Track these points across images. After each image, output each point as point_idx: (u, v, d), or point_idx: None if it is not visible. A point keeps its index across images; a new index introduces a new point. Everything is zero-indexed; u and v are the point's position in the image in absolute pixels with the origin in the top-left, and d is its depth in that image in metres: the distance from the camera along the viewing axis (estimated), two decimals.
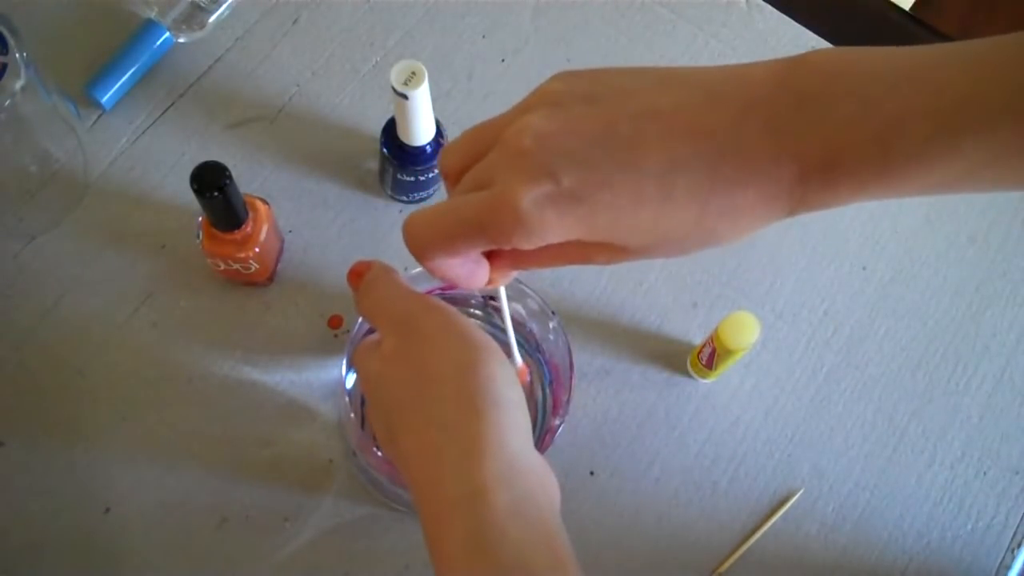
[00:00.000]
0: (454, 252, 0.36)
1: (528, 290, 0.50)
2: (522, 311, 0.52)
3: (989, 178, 0.30)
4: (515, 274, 0.40)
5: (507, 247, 0.34)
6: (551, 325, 0.51)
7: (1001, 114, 0.28)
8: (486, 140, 0.35)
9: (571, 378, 0.49)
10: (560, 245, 0.34)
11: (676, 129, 0.32)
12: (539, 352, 0.53)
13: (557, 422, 0.50)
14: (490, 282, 0.39)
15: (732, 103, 0.32)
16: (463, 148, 0.37)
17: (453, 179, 0.37)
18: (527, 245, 0.33)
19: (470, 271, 0.38)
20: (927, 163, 0.29)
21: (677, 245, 0.34)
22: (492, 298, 0.53)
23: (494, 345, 0.39)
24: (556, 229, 0.33)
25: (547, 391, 0.53)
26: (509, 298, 0.51)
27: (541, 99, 0.35)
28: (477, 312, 0.54)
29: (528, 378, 0.49)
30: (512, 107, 0.36)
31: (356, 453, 0.51)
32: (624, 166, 0.32)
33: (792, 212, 0.32)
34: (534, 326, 0.53)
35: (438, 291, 0.53)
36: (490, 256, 0.38)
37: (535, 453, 0.38)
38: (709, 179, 0.31)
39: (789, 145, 0.30)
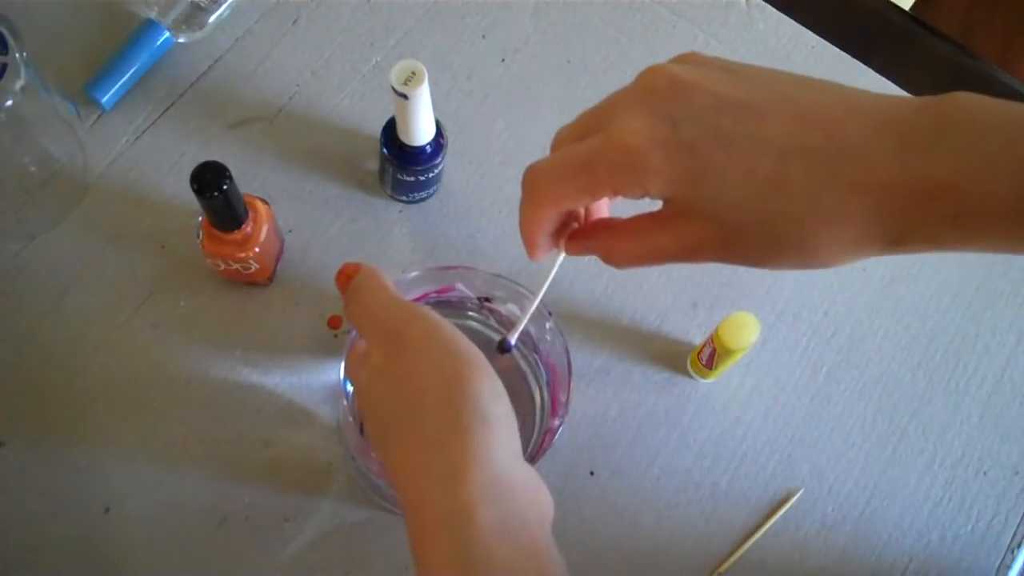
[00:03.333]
0: (563, 199, 0.35)
1: (524, 290, 0.50)
2: (517, 311, 0.52)
3: None
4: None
5: (611, 194, 0.33)
6: (547, 326, 0.51)
7: None
8: (603, 116, 0.34)
9: (569, 378, 0.49)
10: (644, 223, 0.33)
11: (809, 118, 0.31)
12: (536, 352, 0.53)
13: (556, 422, 0.50)
14: (561, 246, 0.38)
15: (868, 115, 0.31)
16: (579, 126, 0.36)
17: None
18: (628, 191, 0.32)
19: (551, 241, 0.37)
20: None
21: (770, 245, 0.32)
22: (488, 299, 0.53)
23: (481, 357, 0.39)
24: (660, 175, 0.32)
25: (545, 392, 0.53)
26: (503, 300, 0.50)
27: (684, 57, 0.34)
28: (473, 315, 0.54)
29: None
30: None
31: (355, 458, 0.51)
32: (748, 136, 0.31)
33: (898, 242, 0.30)
34: (531, 327, 0.53)
35: (434, 294, 0.53)
36: (579, 233, 0.37)
37: (525, 467, 0.38)
38: (828, 176, 0.30)
39: (918, 166, 0.29)
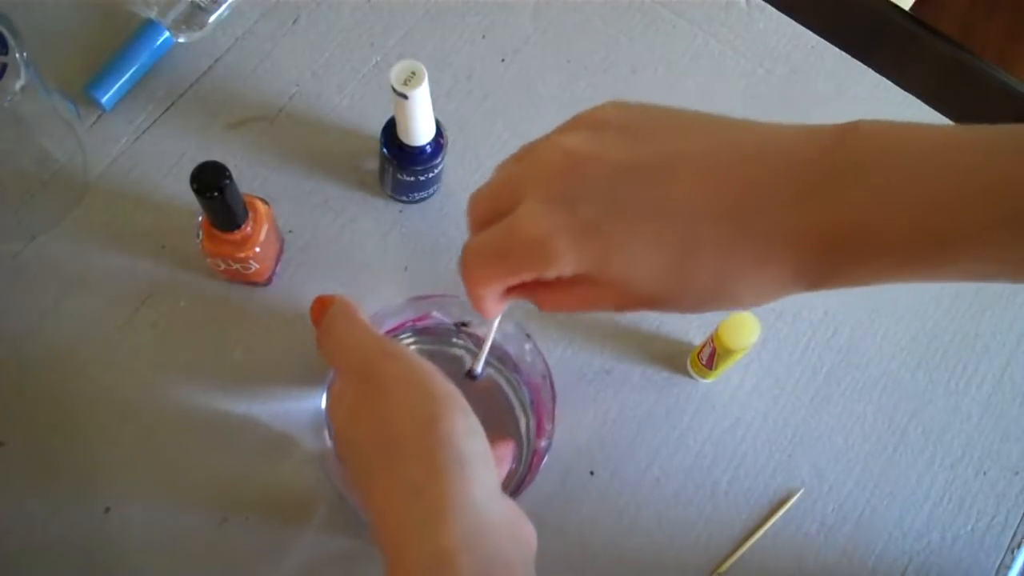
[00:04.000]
0: (494, 281, 0.35)
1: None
2: (496, 335, 0.52)
3: None
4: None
5: (528, 276, 0.33)
6: (527, 347, 0.51)
7: None
8: (510, 193, 0.34)
9: (553, 398, 0.49)
10: (571, 283, 0.33)
11: (710, 177, 0.31)
12: (516, 372, 0.53)
13: (543, 444, 0.49)
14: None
15: (772, 160, 0.30)
16: (490, 195, 0.36)
17: (476, 228, 0.36)
18: (543, 274, 0.32)
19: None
20: (971, 247, 0.28)
21: (691, 299, 0.32)
22: (465, 324, 0.53)
23: (455, 394, 0.38)
24: (568, 260, 0.32)
25: (530, 413, 0.52)
26: (481, 324, 0.50)
27: (582, 121, 0.34)
28: (456, 340, 0.54)
29: (509, 454, 0.48)
30: (552, 130, 0.35)
31: (341, 495, 0.51)
32: (650, 206, 0.31)
33: (818, 284, 0.30)
34: (510, 348, 0.52)
35: (411, 323, 0.53)
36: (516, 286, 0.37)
37: (504, 504, 0.37)
38: (738, 233, 0.30)
39: (827, 209, 0.29)
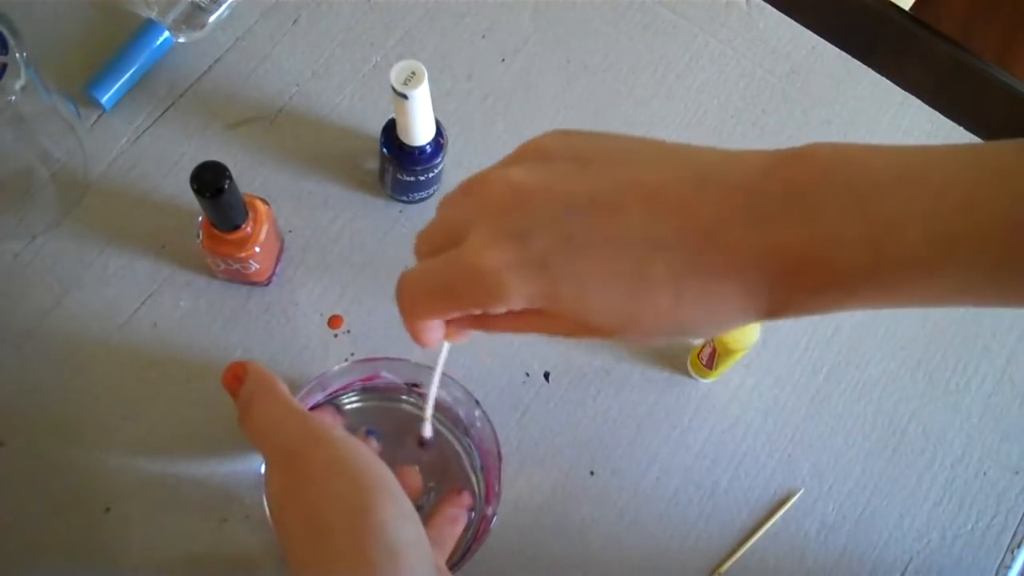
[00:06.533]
0: (435, 314, 0.34)
1: (451, 380, 0.49)
2: (447, 397, 0.51)
3: (991, 295, 0.28)
4: (471, 333, 0.38)
5: (474, 311, 0.32)
6: (476, 413, 0.50)
7: (999, 224, 0.26)
8: (457, 227, 0.33)
9: (500, 467, 0.49)
10: (523, 312, 0.32)
11: (661, 206, 0.30)
12: (468, 436, 0.52)
13: (490, 511, 0.49)
14: (445, 336, 0.37)
15: (721, 189, 0.29)
16: (437, 230, 0.35)
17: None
18: (491, 309, 0.32)
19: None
20: (919, 271, 0.27)
21: (646, 331, 0.31)
22: (415, 385, 0.52)
23: (385, 479, 0.38)
24: (518, 295, 0.31)
25: (480, 476, 0.52)
26: (435, 385, 0.50)
27: (528, 152, 0.33)
28: (405, 397, 0.53)
29: (464, 512, 0.48)
30: (499, 161, 0.34)
31: None
32: (600, 236, 0.30)
33: (773, 313, 0.30)
34: (461, 411, 0.52)
35: (359, 382, 0.52)
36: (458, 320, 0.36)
37: None
38: (690, 264, 0.29)
39: (776, 238, 0.28)
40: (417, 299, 0.34)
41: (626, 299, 0.30)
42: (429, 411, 0.45)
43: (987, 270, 0.27)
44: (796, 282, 0.29)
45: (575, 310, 0.31)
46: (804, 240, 0.28)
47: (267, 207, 0.54)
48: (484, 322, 0.35)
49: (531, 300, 0.31)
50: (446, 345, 0.40)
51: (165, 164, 0.61)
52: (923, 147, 0.28)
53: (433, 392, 0.44)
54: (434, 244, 0.35)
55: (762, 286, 0.29)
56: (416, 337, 0.35)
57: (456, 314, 0.34)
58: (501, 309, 0.32)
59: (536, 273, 0.30)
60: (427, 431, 0.46)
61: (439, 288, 0.33)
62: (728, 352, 0.54)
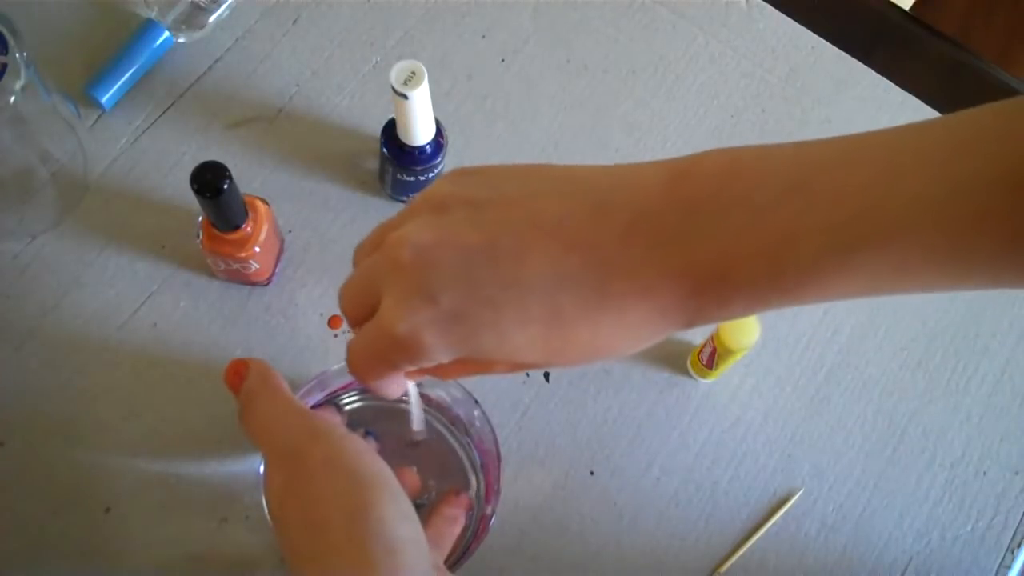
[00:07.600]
0: (382, 376, 0.35)
1: (451, 380, 0.49)
2: (446, 397, 0.51)
3: (898, 288, 0.28)
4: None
5: (412, 368, 0.33)
6: (475, 413, 0.50)
7: (896, 227, 0.26)
8: (373, 290, 0.34)
9: (499, 466, 0.49)
10: (458, 360, 0.33)
11: (561, 243, 0.30)
12: (467, 436, 0.52)
13: (490, 510, 0.49)
14: (408, 378, 0.38)
15: (619, 215, 0.30)
16: (356, 292, 0.35)
17: (353, 324, 0.36)
18: (425, 365, 0.32)
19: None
20: (821, 277, 0.27)
21: (574, 361, 0.32)
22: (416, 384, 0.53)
23: (385, 477, 0.38)
24: (440, 351, 0.31)
25: (480, 476, 0.52)
26: (431, 385, 0.50)
27: (425, 204, 0.34)
28: (404, 397, 0.53)
29: (463, 513, 0.48)
30: (398, 212, 0.35)
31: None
32: (507, 282, 0.30)
33: (690, 323, 0.30)
34: (460, 411, 0.52)
35: (355, 388, 0.52)
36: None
37: None
38: (598, 296, 0.30)
39: (677, 260, 0.29)
40: (363, 367, 0.35)
41: (547, 337, 0.31)
42: (414, 411, 0.45)
43: (892, 269, 0.27)
44: (704, 297, 0.29)
45: (499, 353, 0.32)
46: (704, 258, 0.29)
47: (267, 207, 0.54)
48: (431, 372, 0.37)
49: (455, 352, 0.32)
50: (412, 385, 0.42)
51: (165, 164, 0.61)
52: (823, 142, 0.29)
53: (413, 396, 0.44)
54: (355, 303, 0.35)
55: (675, 303, 0.30)
56: (380, 394, 0.37)
57: (401, 372, 0.35)
58: (431, 364, 0.32)
59: (451, 328, 0.31)
60: (417, 428, 0.45)
61: (375, 355, 0.34)
62: (728, 352, 0.54)
